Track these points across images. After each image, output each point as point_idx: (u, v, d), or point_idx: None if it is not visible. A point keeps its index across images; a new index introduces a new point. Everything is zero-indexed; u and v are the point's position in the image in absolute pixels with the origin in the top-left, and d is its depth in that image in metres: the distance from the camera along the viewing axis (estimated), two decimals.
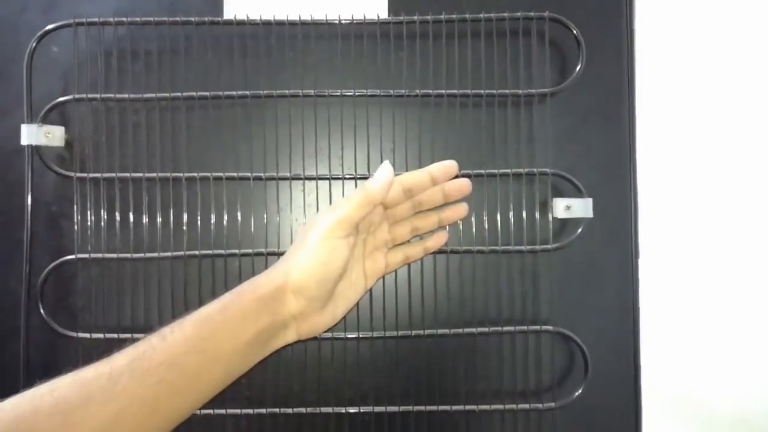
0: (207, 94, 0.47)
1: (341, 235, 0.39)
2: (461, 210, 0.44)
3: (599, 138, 0.50)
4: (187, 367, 0.35)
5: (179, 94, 0.47)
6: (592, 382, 0.47)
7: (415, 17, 0.47)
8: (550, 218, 0.48)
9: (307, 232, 0.40)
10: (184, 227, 0.47)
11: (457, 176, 0.43)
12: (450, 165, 0.42)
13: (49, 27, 0.47)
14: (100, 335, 0.46)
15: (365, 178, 0.48)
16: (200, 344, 0.36)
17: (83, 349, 0.47)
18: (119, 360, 0.35)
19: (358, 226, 0.41)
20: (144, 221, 0.47)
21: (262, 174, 0.47)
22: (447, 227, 0.46)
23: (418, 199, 0.43)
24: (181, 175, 0.47)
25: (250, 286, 0.39)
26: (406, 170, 0.47)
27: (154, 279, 0.48)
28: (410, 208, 0.43)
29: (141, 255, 0.47)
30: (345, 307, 0.42)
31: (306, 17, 0.48)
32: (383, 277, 0.45)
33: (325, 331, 0.42)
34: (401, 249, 0.45)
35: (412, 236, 0.45)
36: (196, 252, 0.47)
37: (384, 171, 0.40)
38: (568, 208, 0.47)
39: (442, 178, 0.42)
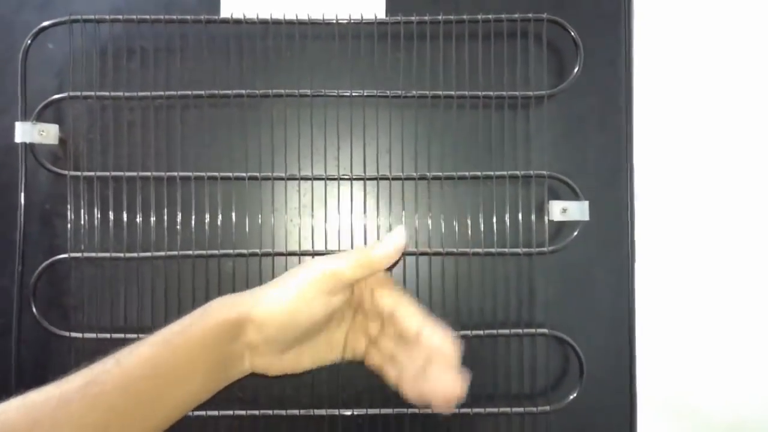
0: (203, 93, 0.47)
1: (325, 289, 0.35)
2: (440, 402, 0.35)
3: (596, 141, 0.50)
4: (141, 392, 0.33)
5: (175, 92, 0.47)
6: (587, 386, 0.47)
7: (413, 18, 0.47)
8: (547, 221, 0.48)
9: (294, 273, 0.37)
10: (178, 227, 0.47)
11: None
12: (443, 348, 0.35)
13: (45, 24, 0.47)
14: (93, 335, 0.46)
15: (361, 179, 0.48)
16: (157, 368, 0.34)
17: (75, 349, 0.46)
18: (71, 383, 0.32)
19: (351, 295, 0.38)
20: (138, 220, 0.47)
21: (257, 174, 0.47)
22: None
23: (404, 338, 0.37)
24: (175, 174, 0.47)
25: (216, 309, 0.36)
26: (402, 171, 0.48)
27: (147, 279, 0.47)
28: (396, 335, 0.37)
29: (134, 255, 0.47)
30: (312, 363, 0.39)
31: (303, 17, 0.47)
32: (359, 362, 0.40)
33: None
34: (382, 358, 0.39)
35: (390, 361, 0.38)
36: (190, 252, 0.46)
37: (395, 236, 0.36)
38: (564, 210, 0.47)
39: (428, 349, 0.35)
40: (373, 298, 0.37)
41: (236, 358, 0.36)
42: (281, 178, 0.48)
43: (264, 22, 0.47)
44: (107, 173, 0.47)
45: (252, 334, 0.36)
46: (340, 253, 0.38)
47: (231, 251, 0.47)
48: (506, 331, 0.47)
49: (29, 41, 0.46)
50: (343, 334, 0.39)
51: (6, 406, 0.31)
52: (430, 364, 0.35)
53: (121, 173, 0.47)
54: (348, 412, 0.46)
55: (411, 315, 0.36)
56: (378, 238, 0.48)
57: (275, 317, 0.35)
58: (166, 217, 0.47)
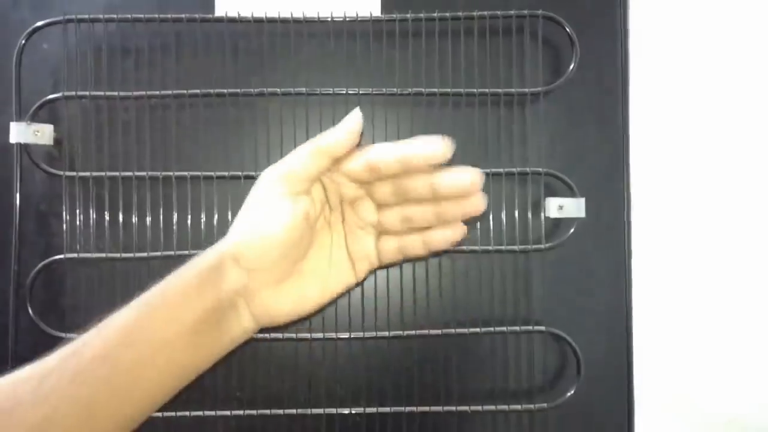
0: (198, 92, 0.47)
1: (285, 192, 0.32)
2: (471, 205, 0.33)
3: (592, 137, 0.50)
4: (123, 361, 0.30)
5: (170, 92, 0.47)
6: (585, 383, 0.47)
7: (408, 15, 0.47)
8: (543, 218, 0.48)
9: (253, 189, 0.34)
10: (174, 227, 0.47)
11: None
12: (435, 149, 0.32)
13: (39, 24, 0.46)
14: None
15: None
16: (137, 333, 0.31)
17: None
18: (52, 358, 0.31)
19: (326, 194, 0.35)
20: (134, 220, 0.47)
21: (253, 173, 0.47)
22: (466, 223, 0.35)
23: (399, 185, 0.34)
24: (171, 174, 0.47)
25: (194, 259, 0.33)
26: None
27: (143, 279, 0.47)
28: (391, 193, 0.34)
29: (131, 255, 0.46)
30: (320, 293, 0.35)
31: (298, 15, 0.47)
32: (380, 269, 0.38)
33: (305, 324, 0.37)
34: (395, 238, 0.36)
35: (405, 227, 0.35)
36: (187, 252, 0.46)
37: (349, 120, 0.33)
38: (560, 207, 0.47)
39: (421, 163, 0.32)
40: (345, 172, 0.34)
41: (228, 310, 0.33)
42: None
43: (259, 21, 0.47)
44: (103, 173, 0.47)
45: (235, 274, 0.33)
46: (293, 151, 0.34)
47: None
48: (503, 329, 0.47)
49: (23, 41, 0.46)
50: (341, 246, 0.36)
51: None
52: (435, 179, 0.33)
53: (116, 173, 0.47)
54: (345, 411, 0.46)
55: (385, 148, 0.33)
56: None
57: (247, 241, 0.32)
58: (162, 217, 0.47)
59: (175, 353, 0.32)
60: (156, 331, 0.31)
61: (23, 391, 0.30)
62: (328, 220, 0.36)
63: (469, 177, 0.32)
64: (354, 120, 0.32)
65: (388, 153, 0.33)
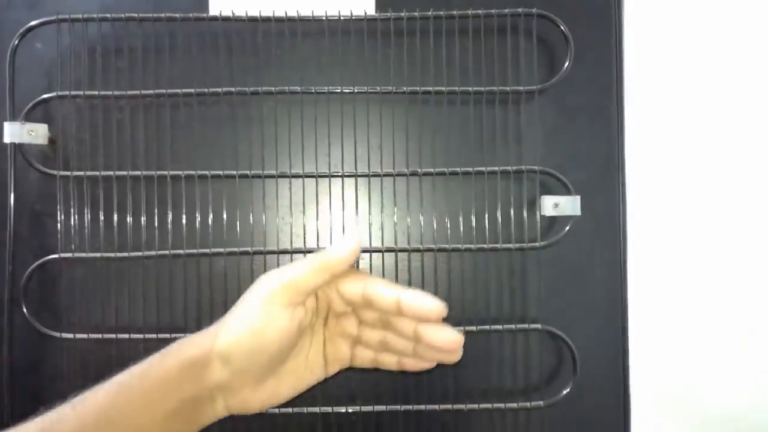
0: (192, 91, 0.47)
1: (284, 302, 0.33)
2: (447, 357, 0.35)
3: (587, 135, 0.50)
4: None
5: (164, 91, 0.47)
6: (581, 381, 0.47)
7: (403, 14, 0.47)
8: (538, 216, 0.48)
9: (252, 291, 0.34)
10: (169, 226, 0.47)
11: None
12: (430, 307, 0.33)
13: (33, 23, 0.46)
14: (84, 335, 0.46)
15: (352, 176, 0.48)
16: (113, 415, 0.31)
17: (67, 349, 0.46)
18: (27, 431, 0.31)
19: (317, 303, 0.36)
20: (128, 220, 0.47)
21: (248, 172, 0.47)
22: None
23: (386, 318, 0.35)
24: (165, 173, 0.47)
25: (177, 347, 0.34)
26: (393, 168, 0.47)
27: (138, 278, 0.47)
28: (376, 319, 0.35)
29: (125, 254, 0.46)
30: (293, 389, 0.36)
31: (293, 14, 0.47)
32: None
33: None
34: (371, 350, 0.37)
35: (381, 350, 0.36)
36: (181, 251, 0.46)
37: (348, 239, 0.34)
38: (556, 205, 0.47)
39: (413, 315, 0.33)
40: (340, 294, 0.35)
41: (205, 402, 0.34)
42: (272, 176, 0.47)
43: (253, 20, 0.47)
44: (97, 173, 0.47)
45: (218, 371, 0.33)
46: (293, 262, 0.36)
47: (222, 250, 0.46)
48: (499, 327, 0.47)
49: (17, 41, 0.46)
50: (319, 349, 0.37)
51: None
52: (421, 328, 0.34)
53: (111, 173, 0.47)
54: (341, 409, 0.46)
55: (384, 288, 0.34)
56: (369, 236, 0.48)
57: (241, 344, 0.33)
58: (156, 217, 0.47)
59: None
60: (132, 416, 0.32)
61: None
62: (311, 325, 0.37)
63: (453, 337, 0.34)
64: (353, 239, 0.34)
65: (386, 293, 0.34)
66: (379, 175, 0.48)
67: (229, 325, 0.33)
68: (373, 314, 0.35)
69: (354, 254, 0.34)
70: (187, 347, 0.33)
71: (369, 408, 0.46)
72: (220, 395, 0.34)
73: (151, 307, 0.47)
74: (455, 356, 0.34)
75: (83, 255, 0.46)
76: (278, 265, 0.47)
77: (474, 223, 0.48)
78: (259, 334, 0.33)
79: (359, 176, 0.48)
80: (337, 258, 0.34)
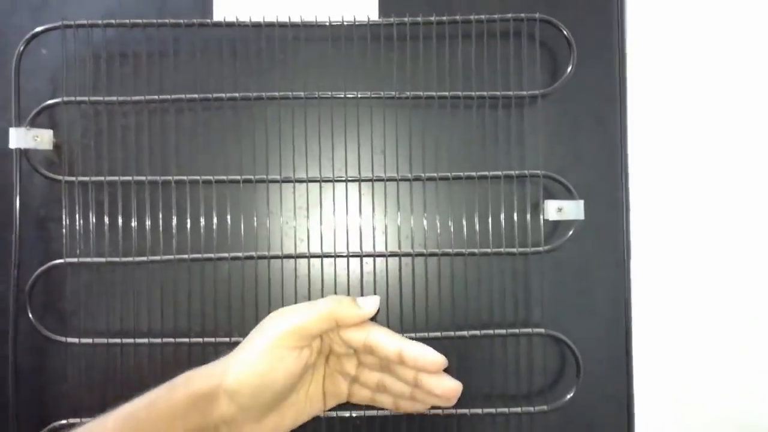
0: (196, 96, 0.47)
1: (292, 345, 0.35)
2: (444, 403, 0.36)
3: (590, 139, 0.50)
4: None
5: (168, 96, 0.47)
6: (584, 385, 0.47)
7: (406, 19, 0.47)
8: (542, 220, 0.48)
9: (261, 331, 0.36)
10: (174, 231, 0.47)
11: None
12: (432, 360, 0.35)
13: (38, 29, 0.47)
14: (89, 340, 0.46)
15: (356, 181, 0.48)
16: None
17: (72, 354, 0.46)
18: None
19: (321, 343, 0.38)
20: (133, 225, 0.47)
21: (252, 176, 0.47)
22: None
23: (387, 364, 0.37)
24: (170, 178, 0.47)
25: (185, 380, 0.35)
26: (397, 172, 0.48)
27: (143, 283, 0.47)
28: (376, 364, 0.38)
29: (130, 259, 0.47)
30: (293, 422, 0.38)
31: (296, 19, 0.47)
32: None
33: None
34: (369, 390, 0.39)
35: (379, 390, 0.38)
36: (186, 256, 0.46)
37: (368, 303, 0.37)
38: (559, 210, 0.47)
39: (415, 366, 0.35)
40: (342, 338, 0.37)
41: (210, 431, 0.35)
42: (276, 181, 0.47)
43: (257, 25, 0.47)
44: (102, 178, 0.47)
45: (225, 406, 0.34)
46: (303, 304, 0.37)
47: (226, 255, 0.47)
48: (503, 331, 0.47)
49: (22, 47, 0.46)
50: (319, 384, 0.39)
51: None
52: (421, 376, 0.36)
53: (115, 178, 0.47)
54: (345, 414, 0.46)
55: (386, 339, 0.36)
56: (373, 240, 0.48)
57: (248, 382, 0.34)
58: (161, 221, 0.47)
59: None
60: None
61: None
62: (313, 362, 0.38)
63: (453, 386, 0.36)
64: (372, 305, 0.36)
65: (389, 344, 0.36)
66: (382, 180, 0.48)
67: (238, 364, 0.35)
68: (375, 360, 0.37)
69: (362, 316, 0.36)
70: (196, 381, 0.35)
71: (373, 413, 0.46)
72: (224, 428, 0.35)
73: (156, 312, 0.47)
74: (452, 402, 0.36)
75: (88, 260, 0.46)
76: (282, 270, 0.47)
77: (477, 228, 0.48)
78: (267, 375, 0.34)
79: (363, 181, 0.48)
80: (348, 316, 0.36)
